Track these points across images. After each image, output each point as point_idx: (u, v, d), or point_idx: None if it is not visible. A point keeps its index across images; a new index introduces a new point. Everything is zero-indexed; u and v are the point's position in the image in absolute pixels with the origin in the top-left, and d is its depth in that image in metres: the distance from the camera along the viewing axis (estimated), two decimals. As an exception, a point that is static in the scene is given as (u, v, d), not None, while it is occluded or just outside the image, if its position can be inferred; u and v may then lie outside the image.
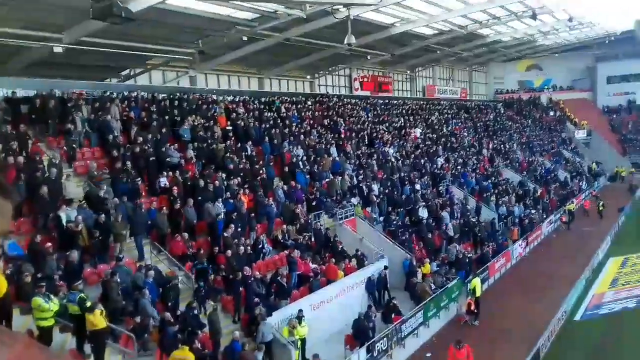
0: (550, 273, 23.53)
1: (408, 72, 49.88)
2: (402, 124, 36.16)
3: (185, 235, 15.11)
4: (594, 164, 52.19)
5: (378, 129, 32.39)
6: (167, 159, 17.76)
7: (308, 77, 39.15)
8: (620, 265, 24.89)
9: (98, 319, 10.01)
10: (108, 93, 20.49)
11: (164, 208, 15.41)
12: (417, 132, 36.08)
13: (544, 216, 32.09)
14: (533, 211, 31.50)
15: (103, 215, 13.55)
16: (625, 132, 60.80)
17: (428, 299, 17.74)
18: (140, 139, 17.70)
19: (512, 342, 16.22)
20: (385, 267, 19.07)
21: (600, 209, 34.72)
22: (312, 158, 24.07)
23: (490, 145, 41.56)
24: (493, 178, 34.35)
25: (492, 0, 32.05)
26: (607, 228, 30.23)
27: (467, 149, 38.28)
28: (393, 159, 29.00)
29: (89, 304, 10.24)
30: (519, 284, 22.62)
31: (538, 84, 67.17)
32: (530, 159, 43.98)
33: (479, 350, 14.85)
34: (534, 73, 66.95)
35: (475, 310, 18.19)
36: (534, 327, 16.61)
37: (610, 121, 62.73)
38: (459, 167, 32.91)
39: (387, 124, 34.64)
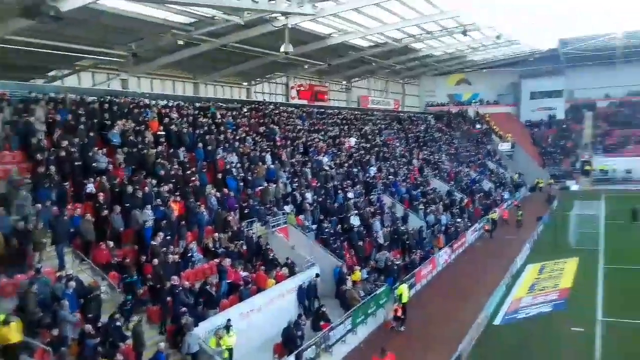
0: (473, 279, 24.63)
1: (344, 82, 50.77)
2: (337, 133, 36.76)
3: (111, 243, 14.70)
4: (516, 175, 55.16)
5: (313, 138, 32.77)
6: (94, 164, 17.22)
7: (245, 83, 39.04)
8: (538, 271, 26.26)
9: (12, 333, 9.58)
10: (33, 94, 19.60)
11: (89, 215, 14.92)
12: (352, 141, 36.78)
13: (469, 224, 33.52)
14: (459, 220, 32.83)
15: (22, 222, 12.96)
16: (546, 146, 64.77)
17: (356, 306, 18.14)
18: (66, 142, 17.06)
19: (436, 347, 16.82)
20: (317, 275, 19.33)
21: (519, 218, 36.75)
22: (246, 165, 24.04)
23: (421, 156, 42.98)
24: (422, 187, 35.52)
25: (426, 15, 33.30)
26: (527, 236, 31.96)
27: (399, 159, 39.43)
28: (327, 168, 29.42)
29: (1, 317, 9.78)
30: (444, 289, 23.53)
31: (466, 97, 70.48)
32: (458, 170, 45.82)
33: (405, 356, 15.34)
34: (463, 87, 70.16)
35: (402, 316, 18.73)
36: (457, 332, 17.30)
37: (532, 135, 66.63)
38: (390, 177, 33.82)
39: (322, 133, 35.09)
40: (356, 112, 46.67)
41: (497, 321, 19.60)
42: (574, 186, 55.88)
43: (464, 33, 36.27)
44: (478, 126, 66.10)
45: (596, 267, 25.29)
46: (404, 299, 19.11)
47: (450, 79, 68.76)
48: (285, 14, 25.03)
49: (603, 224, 34.40)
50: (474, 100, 70.10)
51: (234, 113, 29.82)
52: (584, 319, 18.65)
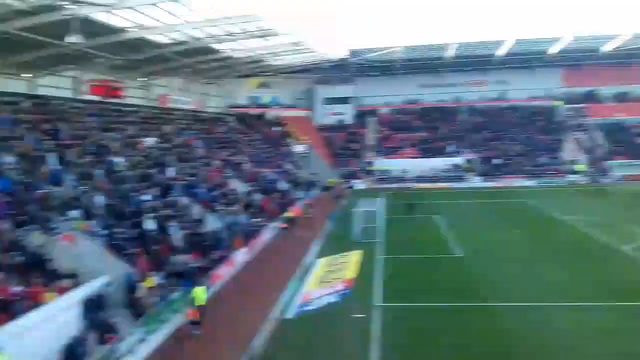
0: (270, 276, 25.72)
1: (143, 79, 48.59)
2: (134, 133, 35.15)
3: None
4: (310, 175, 58.93)
5: (106, 137, 30.83)
6: None
7: (28, 75, 34.89)
8: (327, 264, 28.39)
9: None
10: None
11: None
12: (150, 141, 35.51)
13: (266, 224, 34.87)
14: (257, 219, 33.98)
15: None
16: (336, 148, 70.47)
17: (149, 314, 17.68)
18: None
19: (233, 347, 17.13)
20: (107, 285, 18.28)
21: (308, 215, 39.32)
22: (25, 167, 21.68)
23: (221, 157, 43.36)
24: (222, 188, 35.90)
25: (228, 17, 33.73)
26: (319, 233, 34.46)
27: (199, 160, 39.24)
28: (122, 169, 27.99)
29: None
30: (241, 289, 24.15)
31: (266, 100, 73.26)
32: (257, 171, 47.29)
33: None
34: (263, 90, 72.74)
35: (198, 320, 18.75)
36: (253, 329, 17.99)
37: (325, 138, 71.88)
38: (190, 178, 33.49)
39: (117, 132, 33.22)
40: (155, 111, 45.12)
41: (290, 315, 20.78)
42: (359, 185, 61.82)
43: (264, 38, 37.63)
44: (276, 128, 69.06)
45: (376, 258, 28.13)
46: (201, 302, 19.13)
47: (252, 81, 70.65)
48: (76, 2, 23.23)
49: (383, 219, 38.64)
50: (273, 104, 73.19)
51: (12, 108, 26.61)
52: (365, 306, 20.56)
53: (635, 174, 60.54)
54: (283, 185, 47.94)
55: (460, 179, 63.17)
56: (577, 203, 46.87)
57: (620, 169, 62.26)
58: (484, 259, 27.56)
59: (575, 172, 62.11)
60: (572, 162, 64.46)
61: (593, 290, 21.84)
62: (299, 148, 66.12)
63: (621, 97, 74.65)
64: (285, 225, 36.28)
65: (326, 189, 57.14)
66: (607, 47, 68.99)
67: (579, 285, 22.50)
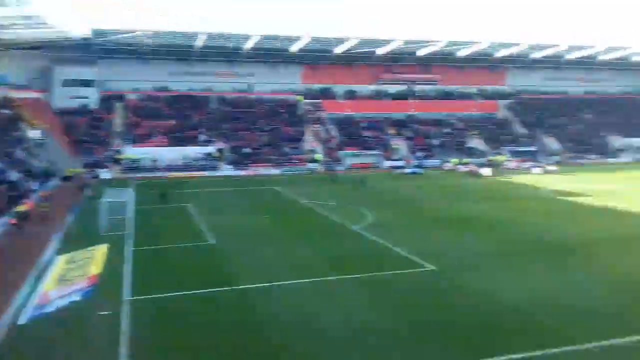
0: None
1: None
2: None
3: None
4: (47, 164, 53.15)
5: None
6: None
7: None
8: (67, 262, 26.24)
9: None
10: None
11: None
12: None
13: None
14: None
15: None
16: (79, 135, 64.97)
17: None
18: None
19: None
20: None
21: (44, 209, 35.46)
22: None
23: None
24: None
25: None
26: (58, 227, 31.50)
27: None
28: None
29: None
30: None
31: (-7, 79, 63.41)
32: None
33: None
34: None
35: None
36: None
37: (65, 123, 65.60)
38: None
39: None
40: None
41: (24, 320, 18.72)
42: (105, 174, 58.21)
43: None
44: (4, 111, 60.44)
45: (126, 250, 27.16)
46: None
47: (-31, 54, 60.16)
48: None
49: (133, 209, 37.27)
50: (1, 83, 63.74)
51: None
52: (112, 302, 19.76)
53: (361, 162, 70.62)
54: (13, 175, 42.34)
55: (212, 167, 64.50)
56: (316, 189, 52.29)
57: (350, 158, 71.61)
58: (235, 244, 28.81)
59: (314, 161, 69.09)
60: (312, 151, 71.59)
61: (331, 265, 24.62)
62: (33, 134, 58.90)
63: (350, 95, 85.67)
64: (15, 220, 32.16)
65: (66, 179, 52.50)
66: (339, 50, 78.39)
67: (320, 261, 25.23)
